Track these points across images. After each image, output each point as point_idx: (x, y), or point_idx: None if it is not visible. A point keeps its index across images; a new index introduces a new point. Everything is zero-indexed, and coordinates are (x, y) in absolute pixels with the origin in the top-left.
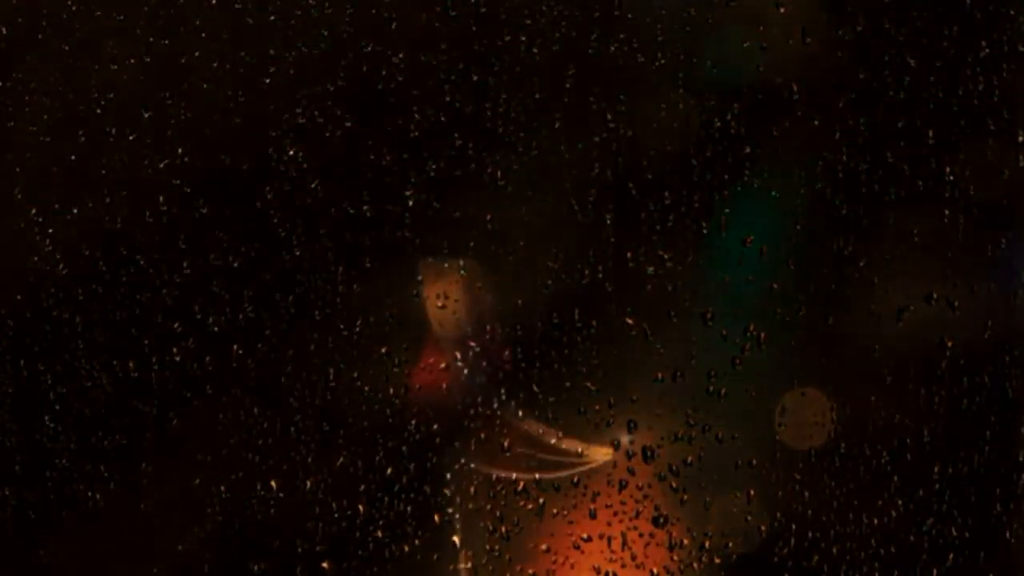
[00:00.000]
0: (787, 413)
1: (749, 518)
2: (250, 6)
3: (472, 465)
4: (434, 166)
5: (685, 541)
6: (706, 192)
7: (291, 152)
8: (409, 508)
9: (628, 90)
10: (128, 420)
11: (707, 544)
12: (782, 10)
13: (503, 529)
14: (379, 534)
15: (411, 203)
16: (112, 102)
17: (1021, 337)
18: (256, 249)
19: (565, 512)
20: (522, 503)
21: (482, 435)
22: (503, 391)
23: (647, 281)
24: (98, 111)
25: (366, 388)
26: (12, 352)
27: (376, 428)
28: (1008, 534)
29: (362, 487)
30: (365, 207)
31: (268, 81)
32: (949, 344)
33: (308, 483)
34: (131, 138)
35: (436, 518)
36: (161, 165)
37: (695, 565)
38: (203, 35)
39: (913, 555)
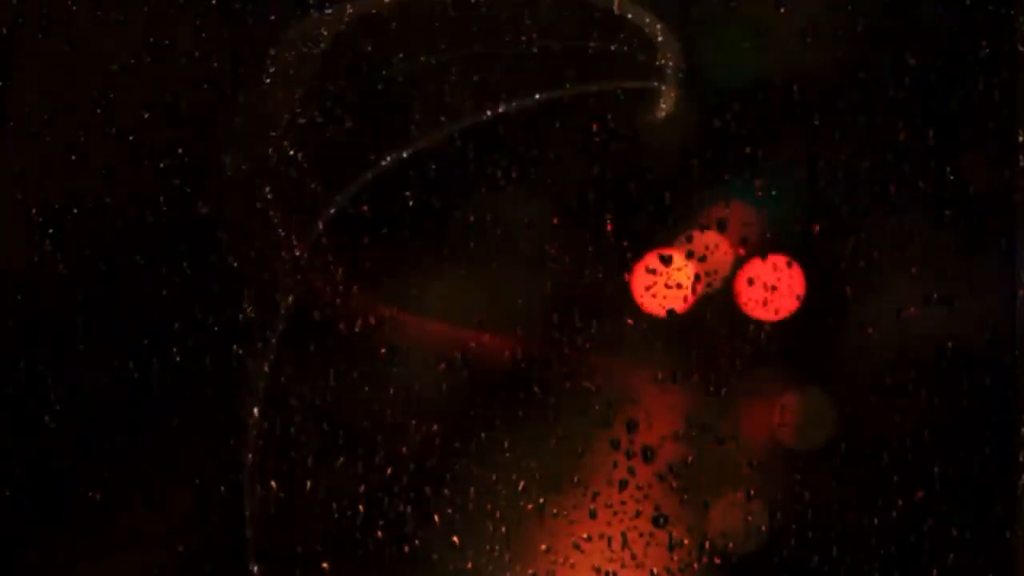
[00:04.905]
0: (787, 413)
1: (749, 518)
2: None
3: (472, 465)
4: (434, 166)
5: (685, 541)
6: (706, 192)
7: (291, 152)
8: (409, 508)
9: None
10: (127, 420)
11: (707, 544)
12: (782, 10)
13: (503, 529)
14: (379, 534)
15: (411, 203)
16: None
17: (1021, 337)
18: (255, 248)
19: (565, 512)
20: (522, 503)
21: (482, 435)
22: (503, 391)
23: (647, 281)
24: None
25: (366, 388)
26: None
27: (376, 428)
28: (1008, 534)
29: (362, 487)
30: (365, 206)
31: (268, 81)
32: (949, 344)
33: (308, 483)
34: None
35: (436, 518)
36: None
37: (695, 565)
38: (202, 34)
39: (913, 555)
